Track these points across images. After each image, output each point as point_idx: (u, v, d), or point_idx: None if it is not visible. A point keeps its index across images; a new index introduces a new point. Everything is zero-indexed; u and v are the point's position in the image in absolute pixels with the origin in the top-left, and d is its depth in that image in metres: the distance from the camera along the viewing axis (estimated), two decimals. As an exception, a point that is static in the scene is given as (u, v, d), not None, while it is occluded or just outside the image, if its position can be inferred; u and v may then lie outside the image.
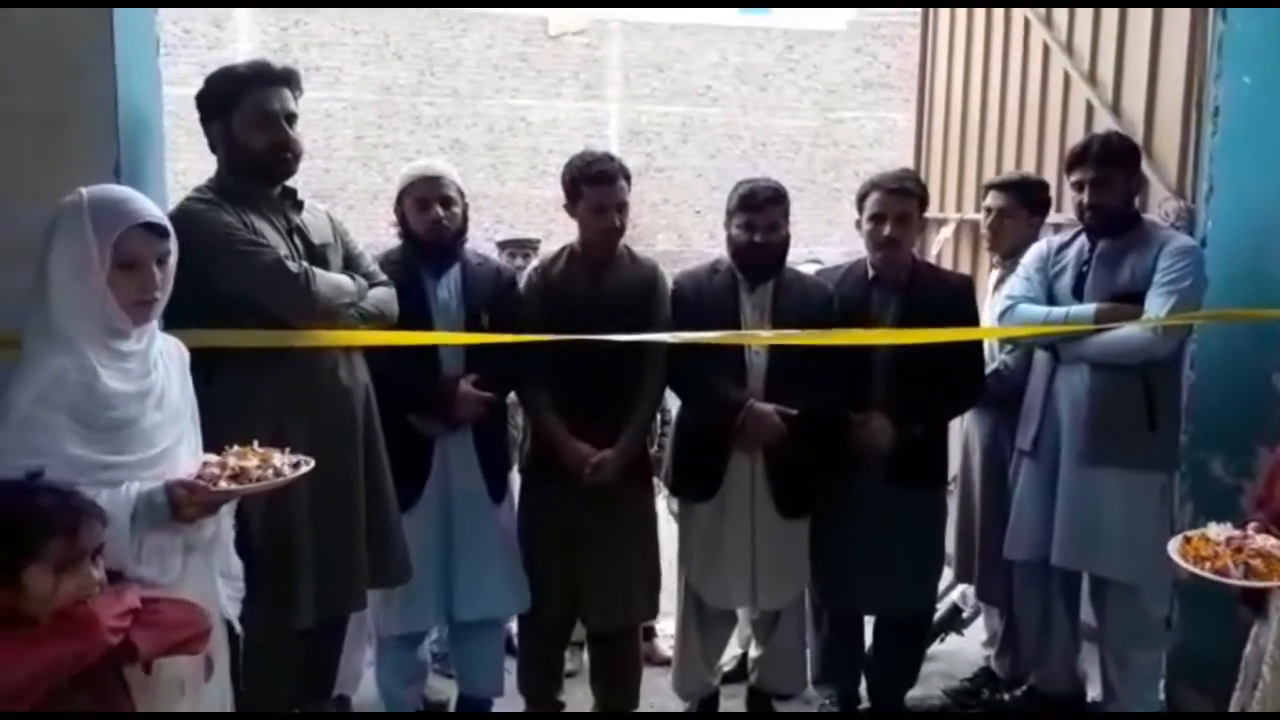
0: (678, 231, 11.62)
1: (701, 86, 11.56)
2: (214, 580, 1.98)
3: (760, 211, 2.84)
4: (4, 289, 1.98)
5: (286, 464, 1.94)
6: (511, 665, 3.09)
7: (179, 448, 1.91)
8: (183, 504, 1.78)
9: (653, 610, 3.01)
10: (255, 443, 1.97)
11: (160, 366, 1.90)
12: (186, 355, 2.03)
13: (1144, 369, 2.78)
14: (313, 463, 1.99)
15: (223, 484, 1.83)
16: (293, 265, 2.34)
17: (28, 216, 2.24)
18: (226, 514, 1.99)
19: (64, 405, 1.72)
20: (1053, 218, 3.70)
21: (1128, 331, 2.76)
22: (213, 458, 1.92)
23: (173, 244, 1.89)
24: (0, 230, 2.18)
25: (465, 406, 2.72)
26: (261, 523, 2.26)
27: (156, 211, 1.89)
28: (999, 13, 5.12)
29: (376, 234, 3.86)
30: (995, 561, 3.13)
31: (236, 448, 1.94)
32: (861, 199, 2.96)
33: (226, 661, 2.02)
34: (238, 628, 2.04)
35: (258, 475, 1.87)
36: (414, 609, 2.82)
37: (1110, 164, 2.83)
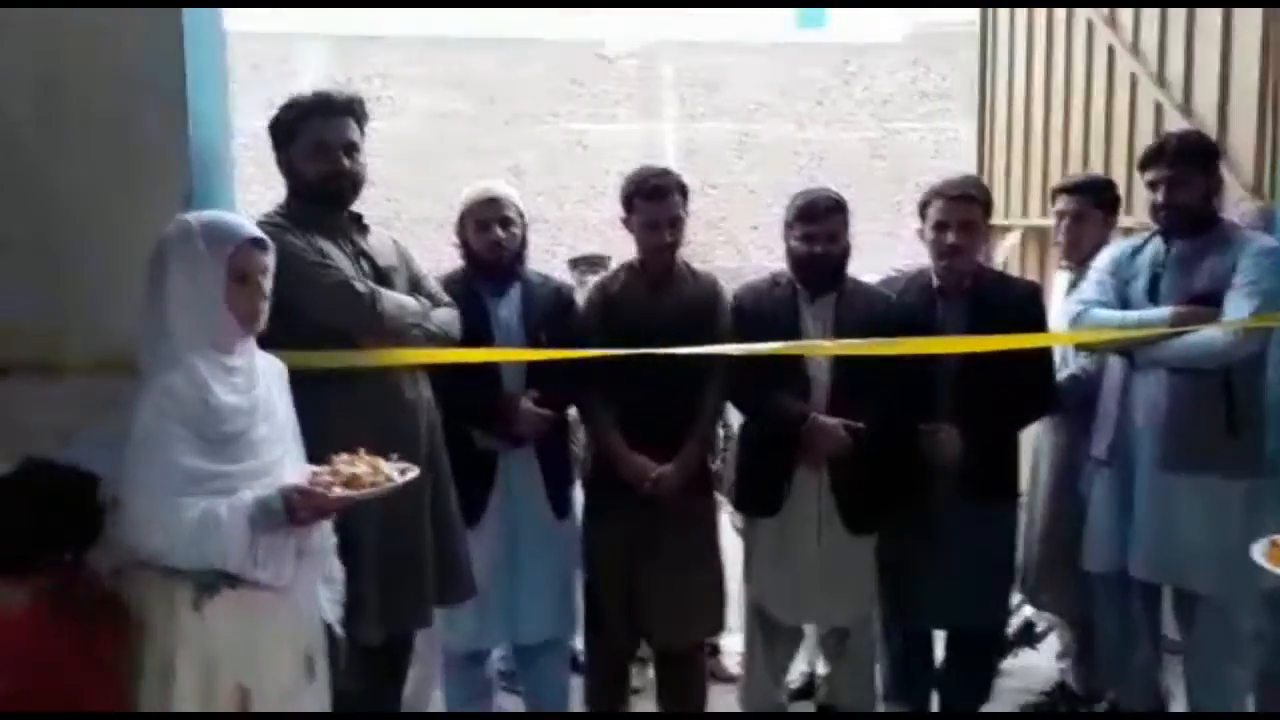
0: (736, 248, 11.56)
1: (754, 103, 11.53)
2: (317, 585, 2.07)
3: (820, 222, 2.82)
4: (108, 316, 2.20)
5: (394, 471, 2.03)
6: (578, 683, 3.09)
7: (285, 460, 2.00)
8: (298, 508, 1.87)
9: (718, 626, 2.98)
10: (363, 450, 2.05)
11: (263, 382, 2.00)
12: (285, 372, 2.12)
13: (1225, 372, 2.68)
14: (418, 470, 2.10)
15: (337, 490, 1.92)
16: (359, 285, 2.39)
17: (106, 247, 2.33)
18: (328, 522, 2.08)
19: (179, 418, 1.83)
20: (1122, 221, 3.60)
21: (1207, 335, 2.66)
22: (319, 468, 2.00)
23: (271, 259, 2.01)
24: (89, 264, 2.34)
25: (526, 423, 2.74)
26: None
27: (257, 229, 2.02)
28: (1060, 16, 5.03)
29: (438, 260, 3.91)
30: (1066, 573, 3.04)
31: (345, 455, 2.03)
32: (924, 207, 2.92)
33: (326, 664, 2.11)
34: (338, 630, 2.13)
35: (370, 481, 1.96)
36: (479, 626, 2.83)
37: (1187, 162, 2.74)
